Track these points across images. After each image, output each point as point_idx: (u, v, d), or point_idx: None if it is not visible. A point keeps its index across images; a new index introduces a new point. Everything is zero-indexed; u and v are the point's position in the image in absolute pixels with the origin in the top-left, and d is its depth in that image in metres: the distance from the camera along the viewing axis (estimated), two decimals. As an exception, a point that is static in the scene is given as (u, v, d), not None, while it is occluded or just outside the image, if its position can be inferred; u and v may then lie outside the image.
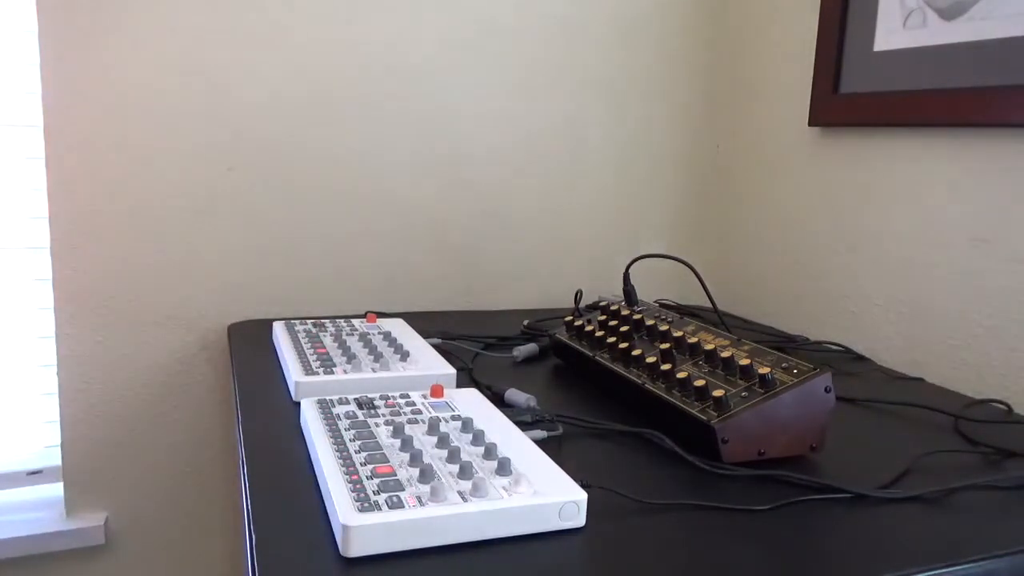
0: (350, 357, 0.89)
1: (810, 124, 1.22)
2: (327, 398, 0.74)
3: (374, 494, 0.55)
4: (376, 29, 1.20)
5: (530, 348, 1.04)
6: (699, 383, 0.75)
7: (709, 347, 0.81)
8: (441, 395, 0.76)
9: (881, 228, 1.13)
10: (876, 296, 1.14)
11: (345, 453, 0.62)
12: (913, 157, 1.08)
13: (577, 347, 0.95)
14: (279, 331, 1.00)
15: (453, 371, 0.87)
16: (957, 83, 1.00)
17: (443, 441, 0.65)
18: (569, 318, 1.01)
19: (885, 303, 1.12)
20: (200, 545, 1.25)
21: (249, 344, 1.04)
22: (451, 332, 1.11)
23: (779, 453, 0.72)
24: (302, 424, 0.74)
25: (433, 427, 0.68)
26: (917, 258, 1.07)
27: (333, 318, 1.09)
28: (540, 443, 0.71)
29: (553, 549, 0.55)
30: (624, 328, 0.93)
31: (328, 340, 0.96)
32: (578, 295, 1.19)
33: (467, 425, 0.68)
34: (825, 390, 0.72)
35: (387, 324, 1.06)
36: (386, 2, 1.20)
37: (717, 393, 0.72)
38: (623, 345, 0.88)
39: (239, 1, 1.13)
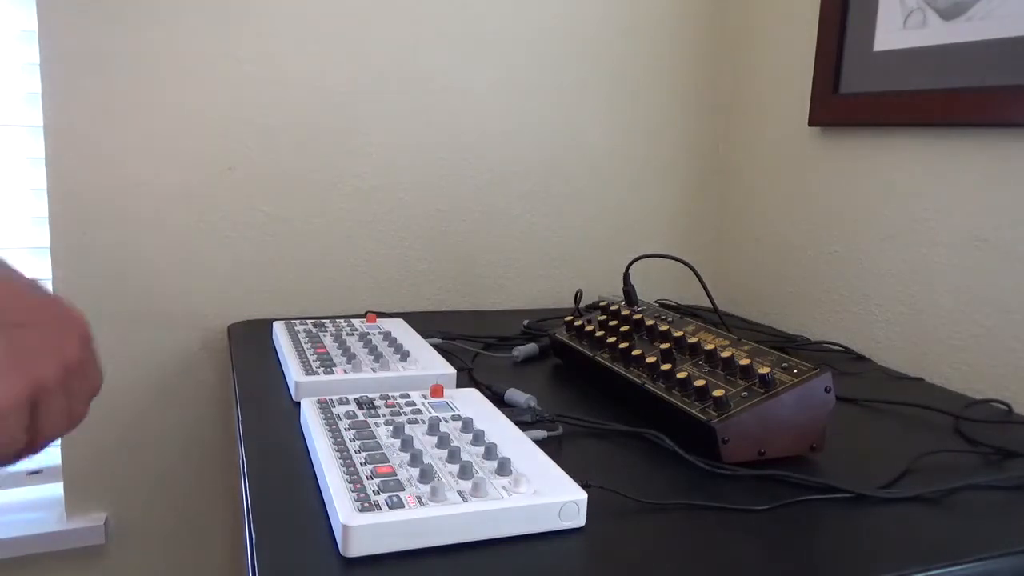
0: (350, 357, 0.89)
1: (810, 124, 1.22)
2: (327, 398, 0.74)
3: (374, 494, 0.55)
4: (379, 32, 1.20)
5: (530, 348, 1.04)
6: (699, 383, 0.75)
7: (709, 347, 0.81)
8: (441, 395, 0.76)
9: (881, 228, 1.13)
10: (876, 296, 1.14)
11: (345, 453, 0.62)
12: (913, 157, 1.08)
13: (577, 347, 0.95)
14: (279, 331, 1.00)
15: (453, 371, 0.87)
16: (957, 83, 1.00)
17: (443, 441, 0.65)
18: (569, 318, 1.01)
19: (885, 303, 1.12)
20: (200, 545, 1.25)
21: (249, 344, 1.04)
22: (451, 332, 1.11)
23: (779, 453, 0.72)
24: (302, 424, 0.74)
25: (433, 427, 0.68)
26: (917, 258, 1.07)
27: (333, 318, 1.09)
28: (540, 443, 0.71)
29: (553, 549, 0.55)
30: (624, 328, 0.93)
31: (328, 340, 0.96)
32: (578, 295, 1.19)
33: (467, 425, 0.68)
34: (825, 390, 0.72)
35: (387, 324, 1.06)
36: (388, 6, 1.20)
37: (717, 393, 0.72)
38: (623, 345, 0.88)
39: (240, 1, 1.13)
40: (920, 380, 1.04)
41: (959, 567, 0.57)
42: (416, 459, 0.61)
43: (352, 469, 0.59)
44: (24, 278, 0.48)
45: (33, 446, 0.49)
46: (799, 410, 0.72)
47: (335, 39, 1.18)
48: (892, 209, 1.11)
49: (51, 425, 0.49)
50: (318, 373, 0.83)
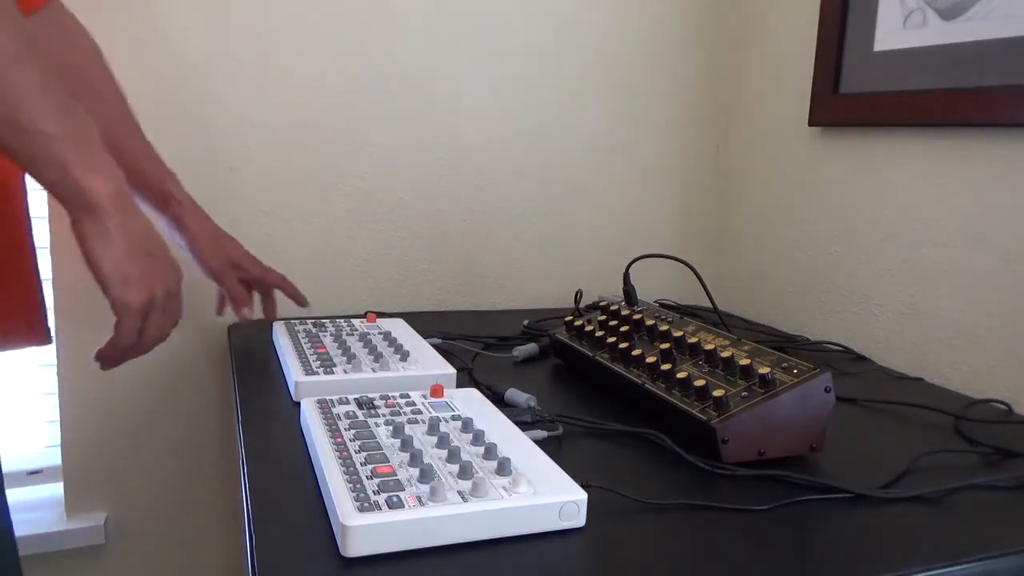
0: (350, 357, 0.89)
1: (810, 124, 1.22)
2: (327, 398, 0.74)
3: (374, 494, 0.55)
4: (379, 32, 1.20)
5: (530, 348, 1.04)
6: (699, 383, 0.75)
7: (709, 347, 0.81)
8: (441, 395, 0.76)
9: (881, 228, 1.13)
10: (876, 296, 1.14)
11: (345, 453, 0.62)
12: (913, 157, 1.08)
13: (577, 347, 0.95)
14: (279, 331, 1.00)
15: (453, 371, 0.87)
16: (957, 83, 1.00)
17: (443, 441, 0.65)
18: (569, 318, 1.01)
19: (885, 303, 1.12)
20: (200, 545, 1.25)
21: (249, 344, 1.04)
22: (451, 332, 1.11)
23: (779, 453, 0.72)
24: (302, 424, 0.74)
25: (433, 427, 0.68)
26: (917, 258, 1.07)
27: (333, 318, 1.09)
28: (540, 443, 0.71)
29: (553, 549, 0.55)
30: (624, 328, 0.93)
31: (328, 340, 0.96)
32: (578, 295, 1.19)
33: (467, 425, 0.68)
34: (825, 390, 0.72)
35: (387, 324, 1.06)
36: (388, 6, 1.20)
37: (717, 393, 0.72)
38: (623, 345, 0.88)
39: (239, 1, 1.13)
40: (920, 380, 1.04)
41: (959, 567, 0.57)
42: (416, 459, 0.61)
43: (352, 469, 0.59)
44: (149, 221, 0.72)
45: (138, 348, 0.73)
46: (799, 410, 0.72)
47: (335, 39, 1.18)
48: (892, 209, 1.11)
49: (151, 333, 0.73)
50: (318, 373, 0.83)
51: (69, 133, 0.64)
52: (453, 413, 0.72)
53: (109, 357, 0.74)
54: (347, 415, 0.70)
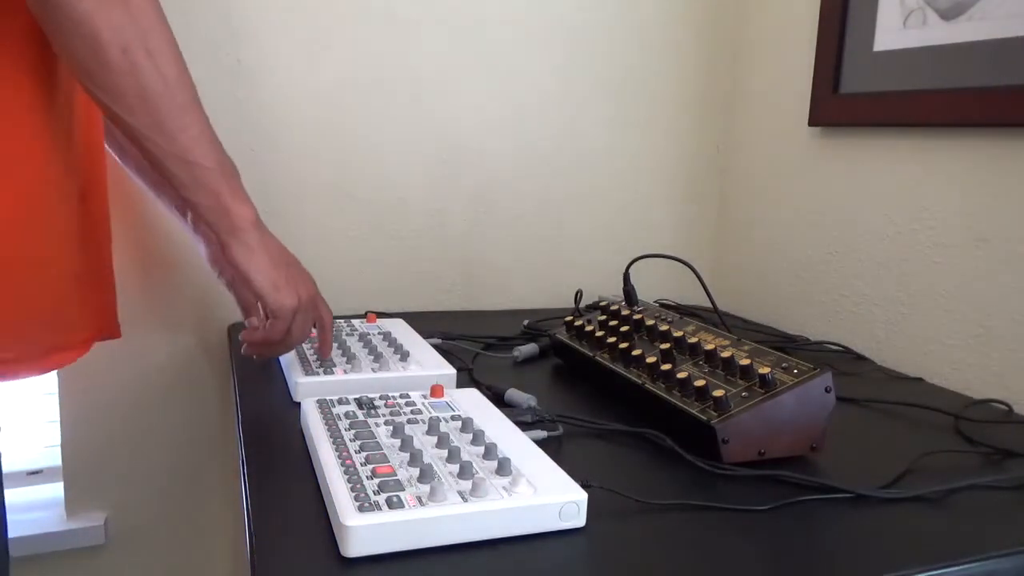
0: (350, 357, 0.89)
1: (810, 124, 1.22)
2: (327, 398, 0.74)
3: (374, 494, 0.55)
4: (379, 33, 1.20)
5: (530, 348, 1.04)
6: (699, 383, 0.75)
7: (709, 347, 0.81)
8: (441, 395, 0.76)
9: (881, 228, 1.13)
10: (876, 296, 1.14)
11: (345, 453, 0.62)
12: (913, 157, 1.08)
13: (577, 347, 0.95)
14: (279, 331, 1.00)
15: (453, 371, 0.87)
16: (957, 83, 1.00)
17: (443, 441, 0.65)
18: (569, 318, 1.01)
19: (885, 303, 1.12)
20: (200, 545, 1.25)
21: (249, 344, 1.04)
22: (451, 332, 1.11)
23: (779, 453, 0.72)
24: (302, 424, 0.74)
25: (433, 427, 0.68)
26: (917, 258, 1.07)
27: (333, 318, 1.09)
28: (540, 443, 0.71)
29: (553, 549, 0.55)
30: (624, 328, 0.93)
31: (328, 340, 0.96)
32: (578, 295, 1.19)
33: (467, 425, 0.68)
34: (825, 390, 0.72)
35: (387, 324, 1.06)
36: (389, 6, 1.20)
37: (717, 393, 0.72)
38: (623, 345, 0.88)
39: (239, 1, 1.13)
40: (920, 380, 1.04)
41: (959, 567, 0.57)
42: (416, 459, 0.60)
43: (352, 469, 0.59)
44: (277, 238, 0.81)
45: (286, 344, 0.82)
46: (799, 410, 0.72)
47: (335, 39, 1.18)
48: (892, 209, 1.11)
49: (297, 333, 0.82)
50: (318, 373, 0.83)
51: (221, 166, 0.74)
52: (453, 413, 0.72)
53: (258, 348, 0.85)
54: (347, 415, 0.70)
